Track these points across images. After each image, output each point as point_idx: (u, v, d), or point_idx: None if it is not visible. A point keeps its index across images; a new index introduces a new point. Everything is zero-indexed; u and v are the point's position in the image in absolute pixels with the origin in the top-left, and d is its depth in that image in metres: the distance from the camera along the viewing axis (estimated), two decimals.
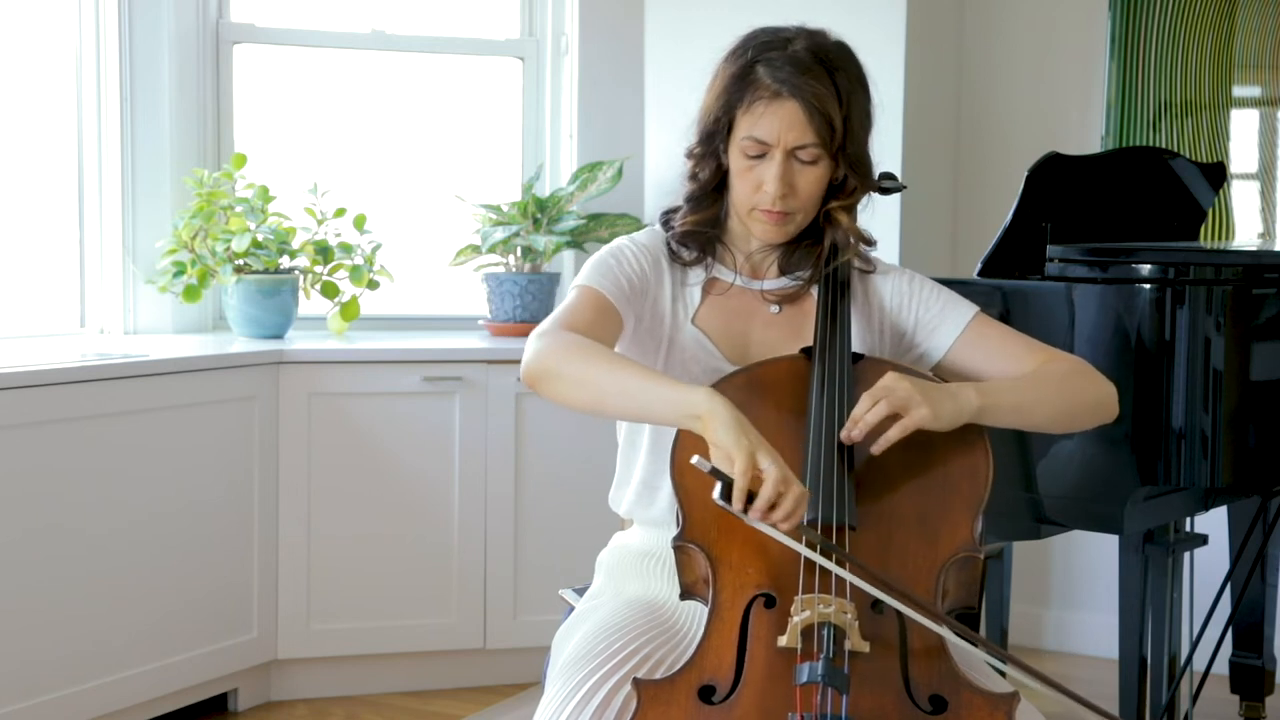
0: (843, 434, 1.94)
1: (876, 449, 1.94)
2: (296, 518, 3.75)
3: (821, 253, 2.16)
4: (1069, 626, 4.28)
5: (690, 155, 2.17)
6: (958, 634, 1.84)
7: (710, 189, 2.16)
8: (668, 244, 2.19)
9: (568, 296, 2.10)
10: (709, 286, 2.18)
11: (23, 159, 3.91)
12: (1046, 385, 2.09)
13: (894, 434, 1.92)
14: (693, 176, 2.17)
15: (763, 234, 2.14)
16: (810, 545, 1.84)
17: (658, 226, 2.23)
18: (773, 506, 1.80)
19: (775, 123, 2.04)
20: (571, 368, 1.94)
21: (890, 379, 1.95)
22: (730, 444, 1.81)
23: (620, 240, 2.18)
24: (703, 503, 1.89)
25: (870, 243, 2.20)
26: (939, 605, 1.88)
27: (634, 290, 2.12)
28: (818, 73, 2.04)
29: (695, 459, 1.81)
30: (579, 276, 2.12)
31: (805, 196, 2.10)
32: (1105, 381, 2.14)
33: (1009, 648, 3.69)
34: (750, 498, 1.80)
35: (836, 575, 1.84)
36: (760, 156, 2.07)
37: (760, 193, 2.08)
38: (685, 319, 2.15)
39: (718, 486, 1.81)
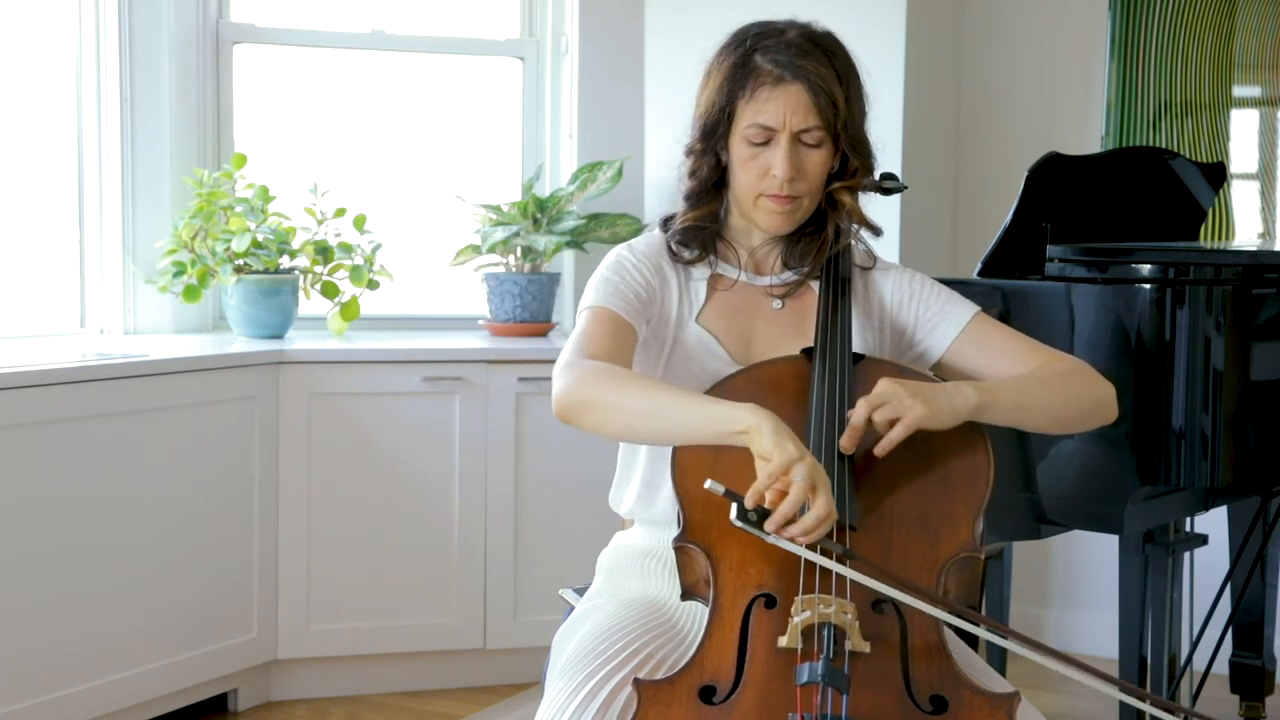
0: (842, 442, 1.94)
1: (880, 450, 1.94)
2: (296, 518, 3.75)
3: (825, 240, 2.17)
4: (1069, 626, 4.28)
5: (690, 152, 2.16)
6: (961, 616, 1.83)
7: (710, 185, 2.16)
8: (668, 245, 2.19)
9: (579, 321, 2.08)
10: (714, 283, 2.18)
11: (23, 159, 3.91)
12: (1046, 385, 2.09)
13: (896, 434, 1.93)
14: (692, 174, 2.17)
15: (769, 223, 2.14)
16: (825, 553, 1.82)
17: (656, 230, 2.23)
18: (790, 522, 1.79)
19: (780, 107, 2.05)
20: (604, 395, 1.92)
21: (885, 385, 1.94)
22: (772, 447, 1.79)
23: (617, 252, 2.16)
24: (704, 503, 1.90)
25: (876, 230, 2.20)
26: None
27: (641, 301, 2.11)
28: (816, 55, 2.07)
29: (709, 483, 1.79)
30: (585, 298, 2.10)
31: (812, 179, 2.10)
32: (1105, 382, 2.14)
33: None
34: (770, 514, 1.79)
35: (837, 575, 1.84)
36: (764, 144, 2.08)
37: (768, 178, 2.08)
38: (689, 318, 2.15)
39: (734, 507, 1.79)
